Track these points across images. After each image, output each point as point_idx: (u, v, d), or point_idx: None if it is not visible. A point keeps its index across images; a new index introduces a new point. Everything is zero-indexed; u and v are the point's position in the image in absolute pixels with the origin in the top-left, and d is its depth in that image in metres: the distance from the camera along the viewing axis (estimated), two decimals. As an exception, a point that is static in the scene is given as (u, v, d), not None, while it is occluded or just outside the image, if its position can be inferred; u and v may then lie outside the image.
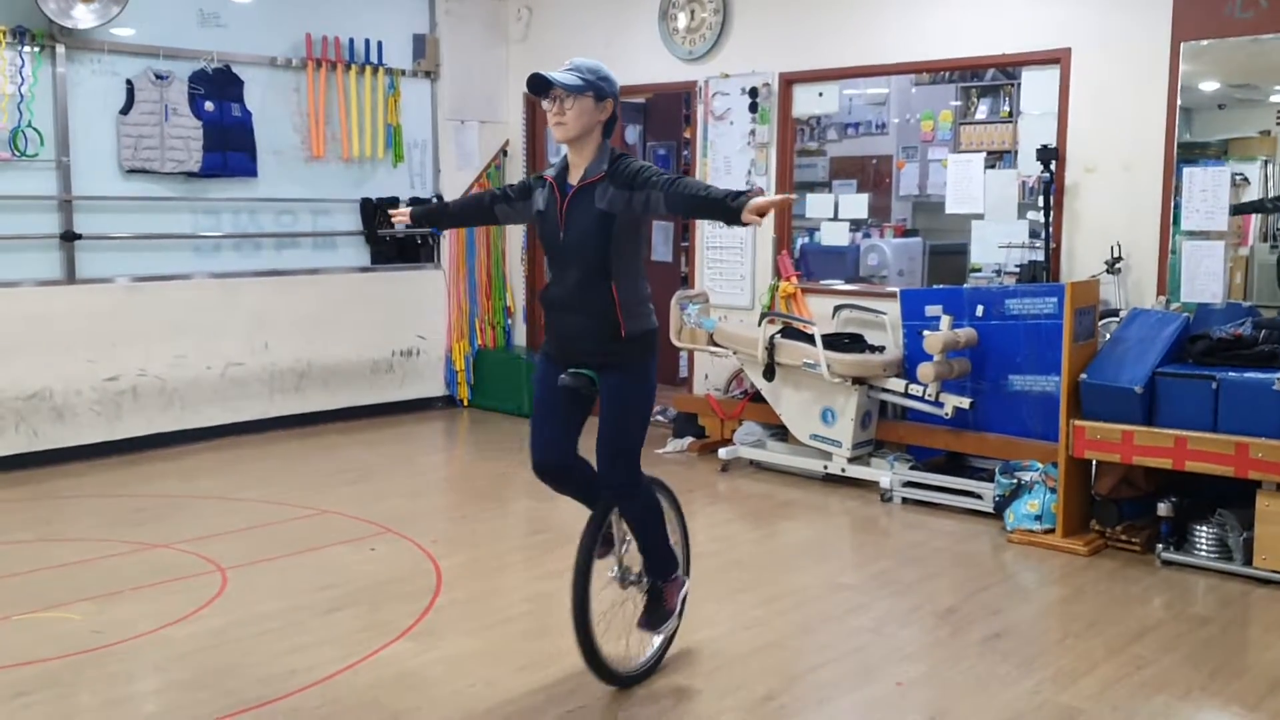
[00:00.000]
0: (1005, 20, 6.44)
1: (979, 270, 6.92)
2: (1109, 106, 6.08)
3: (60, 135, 6.80)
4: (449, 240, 8.65)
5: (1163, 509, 5.11)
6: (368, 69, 8.06)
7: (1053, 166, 6.19)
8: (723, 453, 6.89)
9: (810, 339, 6.33)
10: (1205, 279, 5.74)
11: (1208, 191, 5.74)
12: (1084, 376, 5.26)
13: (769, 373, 6.54)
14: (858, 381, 6.26)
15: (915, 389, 6.12)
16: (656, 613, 3.81)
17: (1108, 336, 5.53)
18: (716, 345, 6.76)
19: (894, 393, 6.27)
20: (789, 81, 7.39)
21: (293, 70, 7.76)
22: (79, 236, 6.87)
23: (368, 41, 8.08)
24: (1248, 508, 4.89)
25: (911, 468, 6.31)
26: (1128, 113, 6.01)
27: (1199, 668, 4.01)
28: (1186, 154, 5.93)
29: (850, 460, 6.39)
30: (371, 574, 4.93)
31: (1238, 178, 5.89)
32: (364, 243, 8.23)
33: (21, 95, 6.58)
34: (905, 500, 6.13)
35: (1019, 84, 7.41)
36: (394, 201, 8.27)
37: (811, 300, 7.23)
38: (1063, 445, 5.30)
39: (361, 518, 5.74)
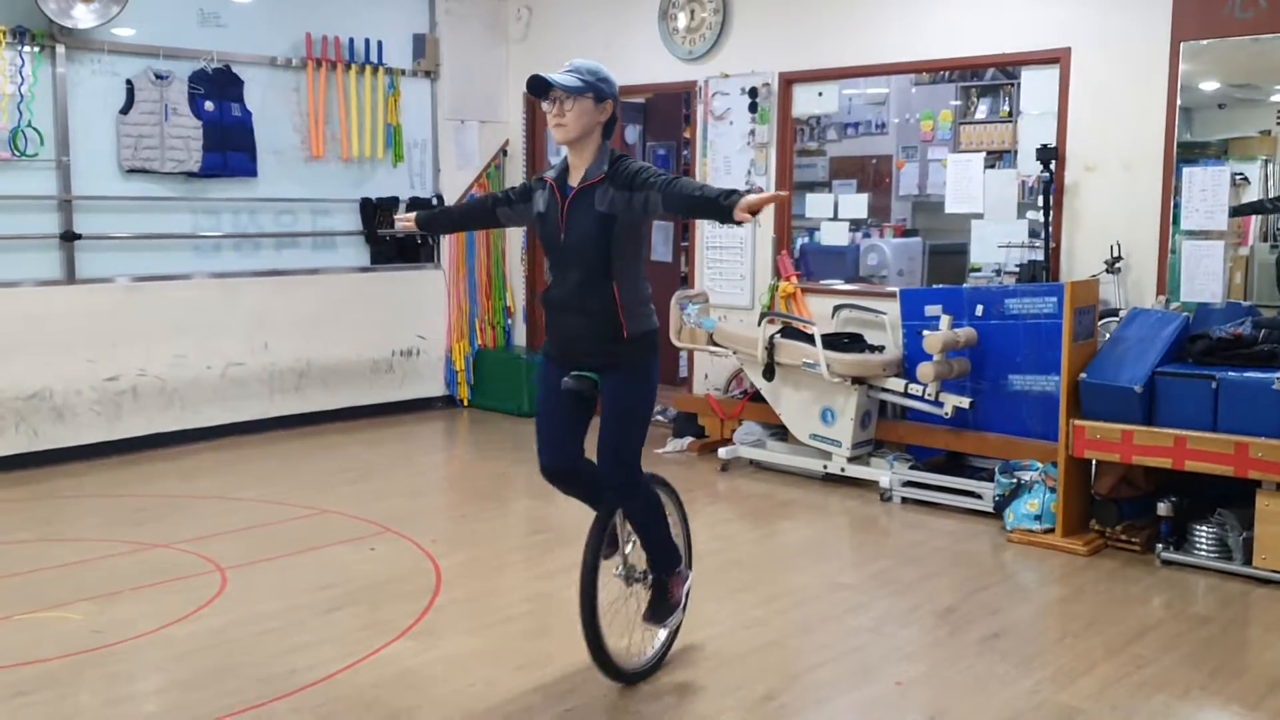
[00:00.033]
0: (1005, 20, 6.44)
1: (979, 270, 6.93)
2: (1109, 106, 6.08)
3: (60, 135, 6.80)
4: (449, 240, 8.65)
5: (1162, 509, 5.11)
6: (368, 69, 8.06)
7: (1052, 166, 6.19)
8: (722, 452, 6.89)
9: (810, 339, 6.33)
10: (1205, 278, 5.74)
11: (1207, 191, 5.74)
12: (1084, 376, 5.26)
13: (769, 372, 6.54)
14: (857, 381, 6.27)
15: (915, 389, 6.12)
16: (662, 606, 3.83)
17: (1107, 336, 5.53)
18: (716, 345, 6.76)
19: (894, 392, 6.27)
20: (789, 81, 7.39)
21: (293, 70, 7.76)
22: (79, 236, 6.88)
23: (368, 41, 8.09)
24: (1247, 507, 4.89)
25: (911, 467, 6.31)
26: (1127, 112, 6.01)
27: (1199, 667, 4.01)
28: (1186, 153, 5.93)
29: (850, 460, 6.39)
30: (371, 573, 4.93)
31: (1238, 177, 5.89)
32: (364, 243, 8.23)
33: (21, 95, 6.59)
34: (905, 500, 6.13)
35: (1019, 83, 7.43)
36: (394, 201, 8.28)
37: (811, 300, 7.23)
38: (1062, 445, 5.30)
39: (361, 517, 5.75)
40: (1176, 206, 5.86)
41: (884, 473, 6.23)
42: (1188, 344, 5.27)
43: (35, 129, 6.66)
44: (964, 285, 6.62)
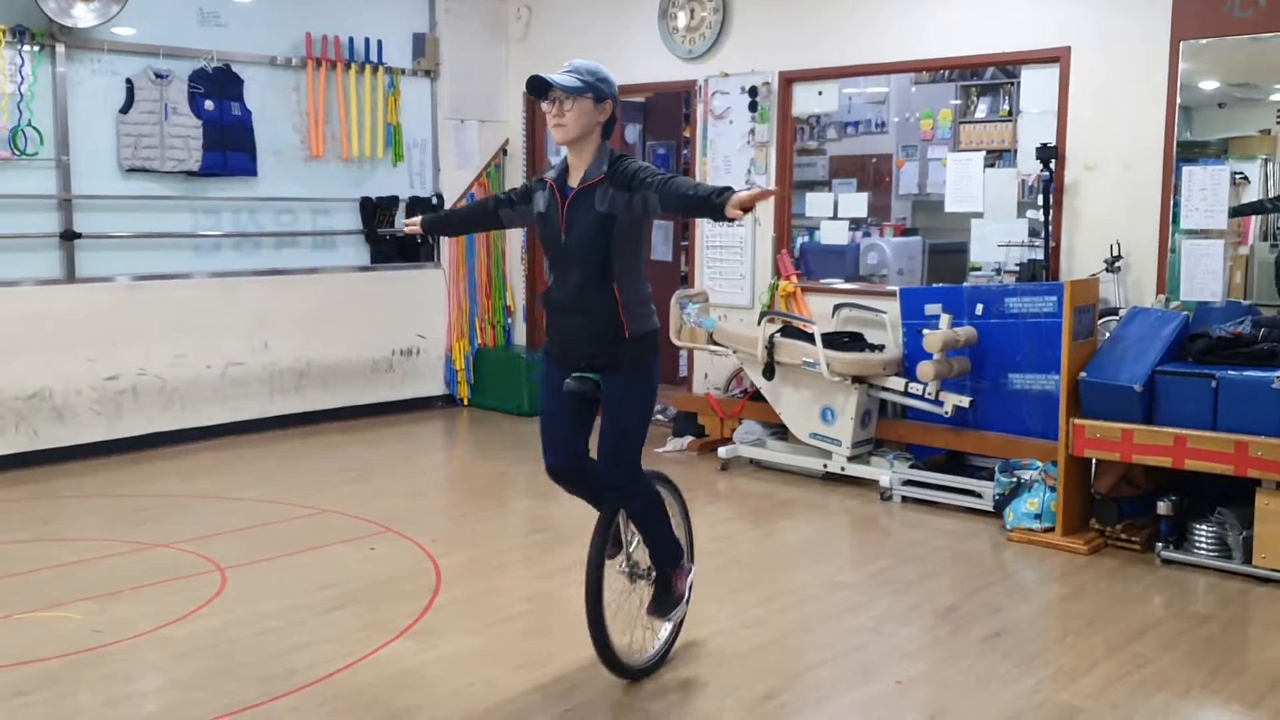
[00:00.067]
0: (1005, 19, 6.44)
1: (978, 269, 6.93)
2: (1109, 105, 6.08)
3: (60, 134, 6.80)
4: (449, 240, 8.64)
5: (1162, 507, 5.10)
6: (367, 68, 8.06)
7: (1052, 165, 6.19)
8: (722, 451, 6.89)
9: (810, 338, 6.33)
10: (1205, 277, 5.74)
11: (1207, 190, 5.74)
12: (1084, 375, 5.26)
13: (769, 371, 6.54)
14: (857, 380, 6.26)
15: (915, 387, 6.12)
16: (666, 600, 3.85)
17: (1107, 335, 5.53)
18: (716, 344, 6.76)
19: (894, 391, 6.27)
20: (789, 80, 7.39)
21: (292, 69, 7.76)
22: (79, 235, 6.88)
23: (367, 41, 8.08)
24: (1247, 506, 4.89)
25: (911, 466, 6.31)
26: (1127, 111, 6.01)
27: (1199, 666, 4.01)
28: (1186, 153, 5.93)
29: (850, 459, 6.39)
30: (371, 573, 4.93)
31: (1237, 176, 5.90)
32: (364, 242, 8.23)
33: (21, 94, 6.58)
34: (905, 499, 6.13)
35: (1018, 83, 7.43)
36: (394, 201, 8.28)
37: (811, 299, 7.23)
38: (1062, 444, 5.30)
39: (361, 517, 5.75)
40: (1176, 205, 5.86)
41: (884, 472, 6.23)
42: (1187, 343, 5.27)
43: (35, 128, 6.66)
44: (964, 284, 6.62)
